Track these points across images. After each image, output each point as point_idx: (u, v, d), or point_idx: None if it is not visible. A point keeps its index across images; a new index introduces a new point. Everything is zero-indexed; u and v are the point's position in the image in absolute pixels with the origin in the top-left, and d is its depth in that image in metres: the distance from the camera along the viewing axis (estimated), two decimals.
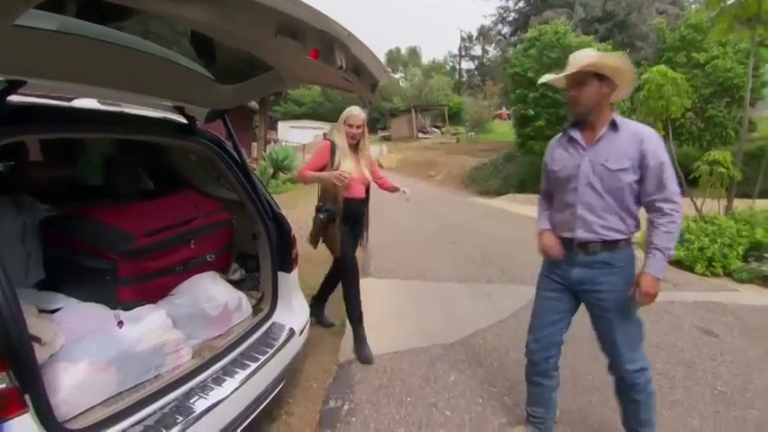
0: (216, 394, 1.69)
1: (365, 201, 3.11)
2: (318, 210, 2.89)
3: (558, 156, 1.96)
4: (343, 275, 3.03)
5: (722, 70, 10.44)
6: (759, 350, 3.19)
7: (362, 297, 3.11)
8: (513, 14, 32.58)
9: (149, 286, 1.97)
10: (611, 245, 1.83)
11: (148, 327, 1.68)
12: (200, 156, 2.57)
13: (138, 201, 2.25)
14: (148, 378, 1.65)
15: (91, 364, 1.46)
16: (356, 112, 2.92)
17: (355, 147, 2.99)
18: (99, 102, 2.20)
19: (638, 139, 1.77)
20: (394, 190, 3.24)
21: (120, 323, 1.61)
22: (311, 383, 2.60)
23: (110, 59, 1.62)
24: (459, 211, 9.78)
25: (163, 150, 2.71)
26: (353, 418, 2.27)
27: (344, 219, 2.89)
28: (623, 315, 1.85)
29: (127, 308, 1.78)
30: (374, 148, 19.94)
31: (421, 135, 28.77)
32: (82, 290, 1.80)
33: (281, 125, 35.96)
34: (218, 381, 1.78)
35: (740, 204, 6.54)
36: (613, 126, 1.82)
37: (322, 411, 2.34)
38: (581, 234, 1.85)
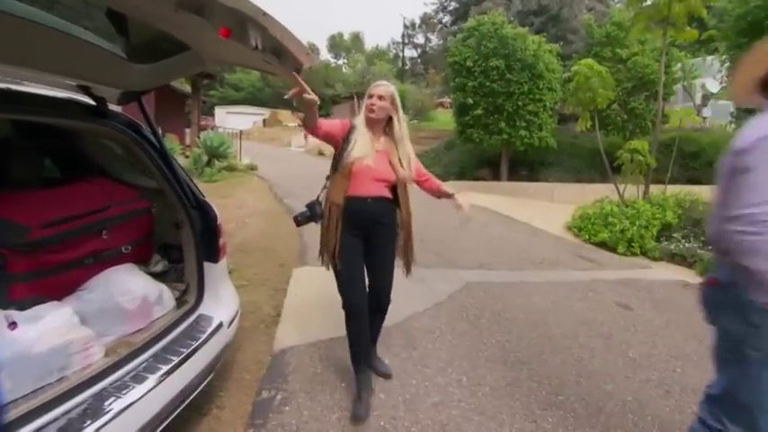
0: (134, 393, 1.57)
1: (389, 203, 2.29)
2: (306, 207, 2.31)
3: None
4: (345, 313, 2.31)
5: (641, 66, 11.24)
6: (664, 319, 3.54)
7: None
8: (453, 3, 33.04)
9: (52, 281, 1.80)
10: None
11: (49, 326, 1.52)
12: (113, 140, 2.37)
13: (38, 190, 2.03)
14: (50, 382, 1.50)
15: None
16: (381, 82, 2.30)
17: (379, 127, 2.26)
18: None
19: None
20: (444, 196, 2.51)
21: (13, 324, 1.45)
22: (244, 375, 2.52)
23: None
24: None
25: (70, 135, 2.47)
26: (286, 408, 2.24)
27: (348, 223, 2.19)
28: None
29: (24, 307, 1.60)
30: None
31: None
32: None
33: (219, 111, 34.50)
34: (137, 378, 1.66)
35: (656, 190, 7.17)
36: None
37: (254, 403, 2.28)
38: None
